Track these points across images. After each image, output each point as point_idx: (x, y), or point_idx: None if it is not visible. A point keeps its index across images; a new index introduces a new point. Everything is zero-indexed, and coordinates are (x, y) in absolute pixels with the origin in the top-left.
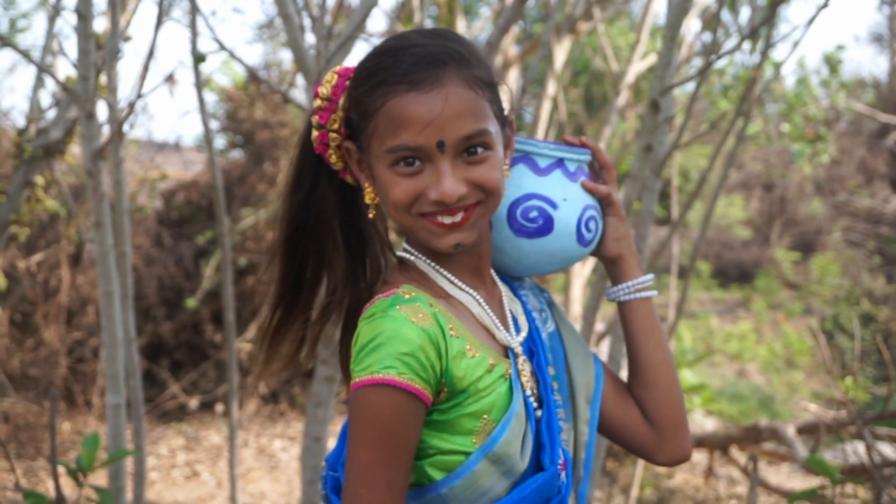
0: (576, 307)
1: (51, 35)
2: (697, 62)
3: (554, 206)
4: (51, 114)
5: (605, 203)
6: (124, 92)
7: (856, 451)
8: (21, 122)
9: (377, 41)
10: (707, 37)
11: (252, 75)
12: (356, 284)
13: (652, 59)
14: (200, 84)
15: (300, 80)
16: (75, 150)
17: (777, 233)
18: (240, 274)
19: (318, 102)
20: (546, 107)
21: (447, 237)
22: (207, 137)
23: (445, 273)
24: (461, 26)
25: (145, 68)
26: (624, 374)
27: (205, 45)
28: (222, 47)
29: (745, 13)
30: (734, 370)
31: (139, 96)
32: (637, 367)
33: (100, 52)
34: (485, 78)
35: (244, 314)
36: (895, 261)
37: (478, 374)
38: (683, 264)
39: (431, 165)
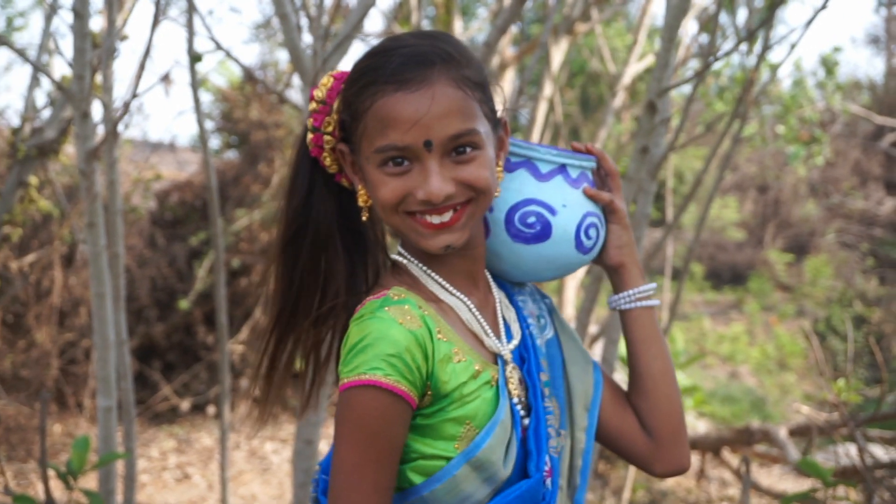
0: (569, 309)
1: (47, 34)
2: (694, 64)
3: (553, 212)
4: (46, 113)
5: (608, 210)
6: (120, 91)
7: (848, 453)
8: (16, 121)
9: (374, 42)
10: (704, 38)
11: (248, 75)
12: (357, 289)
13: (649, 60)
14: (196, 84)
15: (296, 80)
16: (69, 150)
17: (771, 235)
18: (233, 275)
19: (313, 105)
20: (542, 108)
21: (436, 238)
22: (202, 138)
23: (436, 277)
24: (458, 27)
25: (141, 68)
26: (617, 377)
27: (201, 44)
28: (219, 47)
29: (742, 14)
30: (727, 372)
31: (134, 96)
32: (636, 376)
33: (96, 52)
34: (474, 78)
35: (237, 316)
36: (888, 263)
37: (462, 380)
38: (677, 266)
39: (419, 165)
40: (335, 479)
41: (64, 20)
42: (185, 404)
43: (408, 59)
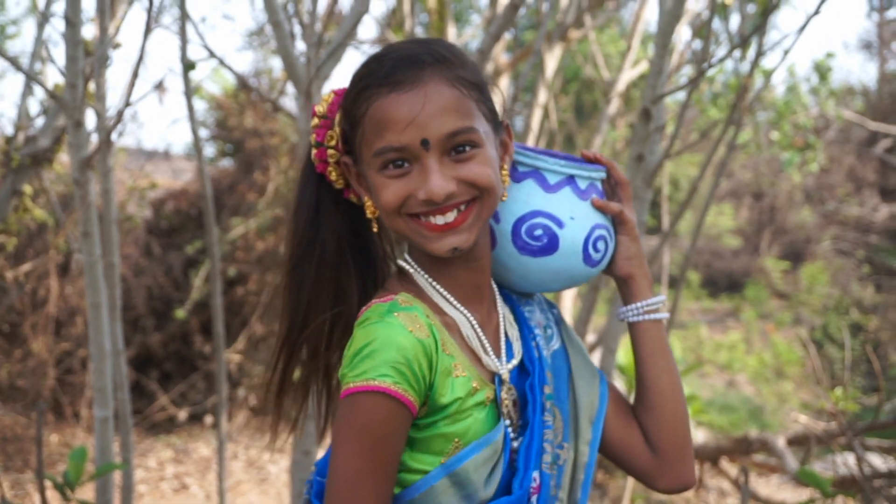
0: (567, 318)
1: (39, 42)
2: (688, 70)
3: (560, 224)
4: (39, 122)
5: (617, 221)
6: (113, 100)
7: (846, 462)
8: (9, 129)
9: (367, 49)
10: (698, 45)
11: (242, 83)
12: (366, 302)
13: (642, 66)
14: (190, 92)
15: (290, 88)
16: (63, 158)
17: (767, 242)
18: (229, 284)
19: (315, 121)
20: (537, 115)
21: (442, 241)
22: (197, 146)
23: (441, 290)
24: (452, 34)
25: (134, 76)
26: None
27: (195, 52)
28: (212, 55)
29: (735, 21)
30: (724, 380)
31: (128, 104)
32: (643, 390)
33: (88, 60)
34: (470, 78)
35: (234, 325)
36: (885, 270)
37: (459, 395)
38: (674, 274)
39: (419, 165)
40: (335, 486)
41: (56, 28)
42: (182, 414)
43: (399, 61)
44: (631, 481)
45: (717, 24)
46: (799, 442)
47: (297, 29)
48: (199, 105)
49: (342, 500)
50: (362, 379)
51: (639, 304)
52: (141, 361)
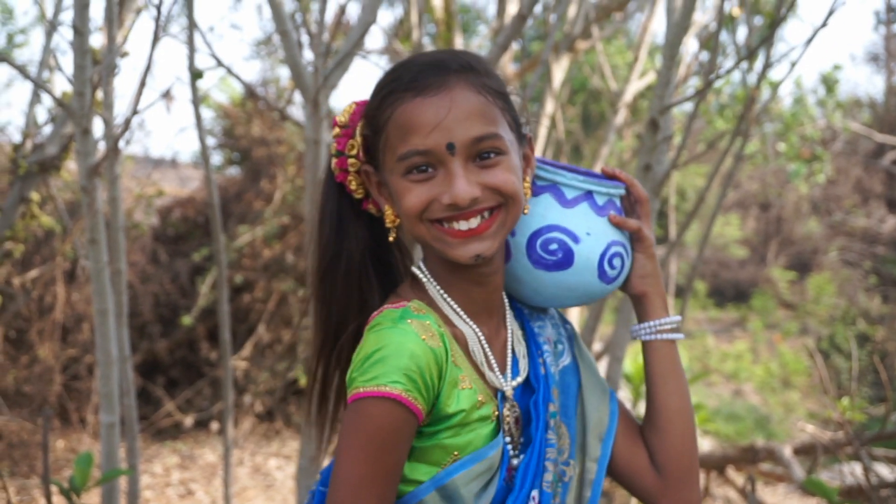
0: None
1: (48, 50)
2: (695, 81)
3: (576, 240)
4: (47, 129)
5: (634, 238)
6: (121, 108)
7: (853, 471)
8: (17, 137)
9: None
10: (705, 56)
11: (249, 92)
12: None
13: (650, 77)
14: (197, 100)
15: (298, 97)
16: (71, 166)
17: (773, 252)
18: (236, 291)
19: (336, 131)
20: (544, 125)
21: (465, 247)
22: (204, 154)
23: (451, 302)
24: (459, 44)
25: (142, 84)
26: (621, 395)
27: (202, 61)
28: (220, 63)
29: (742, 33)
30: (730, 390)
31: (135, 112)
32: (652, 410)
33: (96, 68)
34: (495, 87)
35: (240, 332)
36: (891, 281)
37: (464, 406)
38: (680, 284)
39: (444, 170)
40: (338, 491)
41: (64, 37)
42: (188, 420)
43: (425, 66)
44: None
45: (724, 36)
46: (805, 451)
47: (305, 38)
48: (207, 114)
49: None
50: (373, 384)
51: (652, 323)
52: (147, 368)
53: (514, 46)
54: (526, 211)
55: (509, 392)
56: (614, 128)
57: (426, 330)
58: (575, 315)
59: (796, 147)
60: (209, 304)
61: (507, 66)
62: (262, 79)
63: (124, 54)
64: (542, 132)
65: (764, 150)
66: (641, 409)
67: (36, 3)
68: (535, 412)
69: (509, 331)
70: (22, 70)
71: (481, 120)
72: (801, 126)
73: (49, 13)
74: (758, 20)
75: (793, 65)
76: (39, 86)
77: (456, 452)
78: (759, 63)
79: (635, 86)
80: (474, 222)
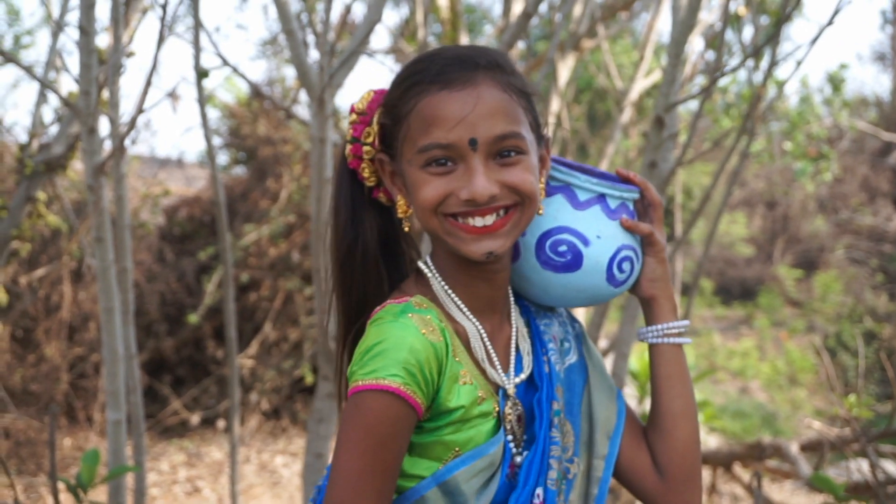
0: None
1: (54, 51)
2: (701, 80)
3: (586, 242)
4: (53, 129)
5: (646, 242)
6: (127, 107)
7: (859, 468)
8: (24, 137)
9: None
10: (711, 55)
11: (255, 91)
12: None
13: (655, 76)
14: (203, 100)
15: (303, 96)
16: (77, 165)
17: (780, 250)
18: (242, 290)
19: (353, 117)
20: (550, 124)
21: (478, 243)
22: (210, 153)
23: (454, 297)
24: (464, 43)
25: (148, 84)
26: (626, 391)
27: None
28: (226, 63)
29: (748, 31)
30: (737, 387)
31: (141, 111)
32: (656, 413)
33: (102, 68)
34: (519, 86)
35: (246, 330)
36: None
37: (464, 402)
38: (687, 282)
39: (464, 165)
40: (337, 484)
41: (70, 37)
42: (194, 418)
43: (452, 60)
44: None
45: (730, 35)
46: (812, 448)
47: (311, 38)
48: (213, 113)
49: (343, 499)
50: (372, 377)
51: (659, 327)
52: (154, 366)
53: (520, 45)
54: (541, 212)
55: (511, 389)
56: (620, 126)
57: (427, 324)
58: (581, 312)
59: (803, 146)
60: (215, 303)
61: None
62: (268, 78)
63: (130, 54)
64: (548, 131)
65: (770, 148)
66: (648, 406)
67: (42, 3)
68: (539, 410)
69: (514, 328)
70: (28, 70)
71: (505, 118)
72: (808, 125)
73: (55, 14)
74: (764, 19)
75: (798, 63)
76: (46, 85)
77: (457, 448)
78: (764, 61)
79: (641, 84)
80: (490, 219)
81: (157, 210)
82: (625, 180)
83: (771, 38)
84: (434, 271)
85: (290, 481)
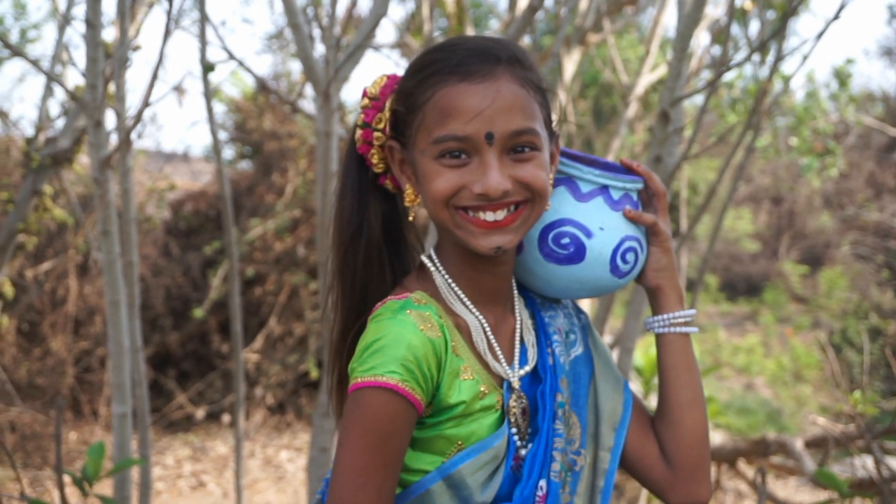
0: None
1: (60, 44)
2: (706, 74)
3: (588, 234)
4: (59, 123)
5: (650, 232)
6: (133, 101)
7: (864, 464)
8: (30, 131)
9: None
10: (716, 50)
11: (261, 86)
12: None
13: (661, 71)
14: (209, 94)
15: (309, 90)
16: (83, 159)
17: (785, 246)
18: (247, 284)
19: (364, 102)
20: (555, 119)
21: (488, 238)
22: (216, 148)
23: (458, 291)
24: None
25: (154, 77)
26: (631, 387)
27: (214, 54)
28: (232, 57)
29: (754, 26)
30: (742, 383)
31: (147, 105)
32: (663, 403)
33: (108, 61)
34: (537, 82)
35: (251, 325)
36: None
37: (465, 398)
38: (692, 277)
39: (478, 159)
40: (338, 481)
41: (77, 31)
42: (199, 412)
43: (473, 52)
44: None
45: (736, 29)
46: (817, 444)
47: (317, 32)
48: (219, 108)
49: (345, 495)
50: (370, 374)
51: (665, 316)
52: (159, 360)
53: (525, 40)
54: (547, 207)
55: (515, 382)
56: (626, 121)
57: (425, 321)
58: (585, 307)
59: (809, 141)
60: (221, 297)
61: None
62: (274, 72)
63: (136, 48)
64: (554, 126)
65: (776, 143)
66: (652, 402)
67: None
68: (542, 402)
69: (518, 320)
70: (35, 64)
71: (522, 114)
72: (814, 120)
73: (62, 7)
74: (770, 13)
75: (805, 58)
76: (52, 79)
77: (459, 442)
78: (770, 56)
79: (647, 79)
80: (500, 214)
81: (163, 204)
82: (628, 170)
83: (777, 32)
84: (438, 264)
85: (294, 476)
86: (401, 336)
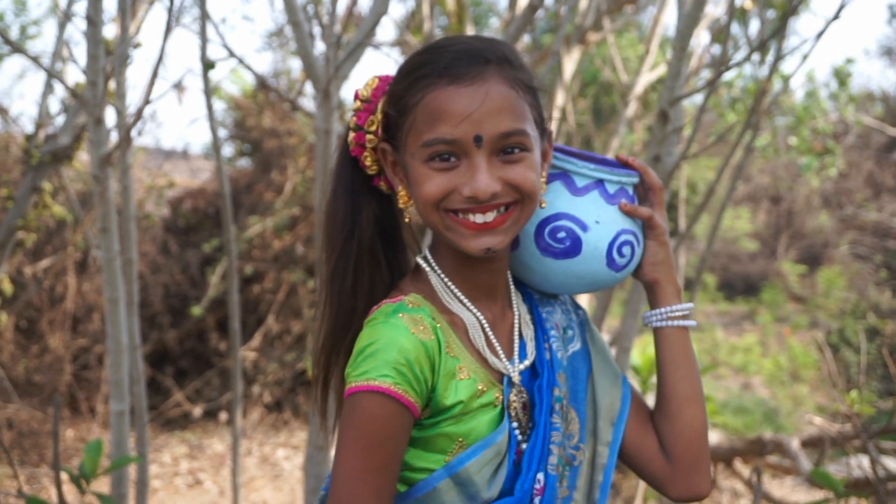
0: None
1: (61, 41)
2: (706, 74)
3: (584, 228)
4: (59, 120)
5: (647, 226)
6: (133, 98)
7: (860, 464)
8: (30, 127)
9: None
10: (716, 49)
11: (261, 83)
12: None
13: (660, 70)
14: (209, 92)
15: (309, 88)
16: (83, 156)
17: (784, 246)
18: (246, 282)
19: (356, 104)
20: (555, 117)
21: (477, 239)
22: (215, 145)
23: (454, 289)
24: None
25: (154, 75)
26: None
27: (214, 52)
28: (232, 54)
29: (754, 25)
30: (739, 383)
31: (147, 102)
32: (661, 397)
33: (109, 58)
34: (527, 81)
35: (249, 323)
36: None
37: (462, 397)
38: (690, 276)
39: (467, 161)
40: (337, 485)
41: (77, 28)
42: (197, 410)
43: (462, 54)
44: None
45: (736, 29)
46: (813, 444)
47: (317, 30)
48: (218, 105)
49: (344, 498)
50: (364, 378)
51: (663, 310)
52: (157, 358)
53: (525, 38)
54: (543, 205)
55: (516, 377)
56: (625, 120)
57: (417, 323)
58: (583, 305)
59: (808, 140)
60: (219, 295)
61: None
62: (274, 70)
63: (137, 45)
64: (553, 125)
65: (775, 143)
66: (650, 400)
67: None
68: (539, 396)
69: (516, 314)
70: (35, 61)
71: (511, 115)
72: (813, 119)
73: (62, 4)
74: (770, 13)
75: (804, 58)
76: (53, 76)
77: (461, 439)
78: (770, 56)
79: (646, 78)
80: (490, 216)
81: (162, 202)
82: (624, 165)
83: (777, 32)
84: (433, 264)
85: (291, 474)
86: (393, 340)
